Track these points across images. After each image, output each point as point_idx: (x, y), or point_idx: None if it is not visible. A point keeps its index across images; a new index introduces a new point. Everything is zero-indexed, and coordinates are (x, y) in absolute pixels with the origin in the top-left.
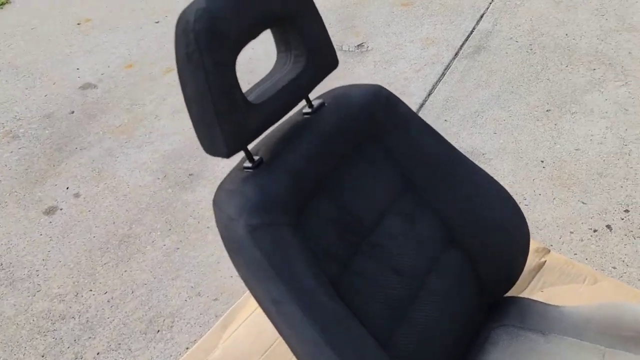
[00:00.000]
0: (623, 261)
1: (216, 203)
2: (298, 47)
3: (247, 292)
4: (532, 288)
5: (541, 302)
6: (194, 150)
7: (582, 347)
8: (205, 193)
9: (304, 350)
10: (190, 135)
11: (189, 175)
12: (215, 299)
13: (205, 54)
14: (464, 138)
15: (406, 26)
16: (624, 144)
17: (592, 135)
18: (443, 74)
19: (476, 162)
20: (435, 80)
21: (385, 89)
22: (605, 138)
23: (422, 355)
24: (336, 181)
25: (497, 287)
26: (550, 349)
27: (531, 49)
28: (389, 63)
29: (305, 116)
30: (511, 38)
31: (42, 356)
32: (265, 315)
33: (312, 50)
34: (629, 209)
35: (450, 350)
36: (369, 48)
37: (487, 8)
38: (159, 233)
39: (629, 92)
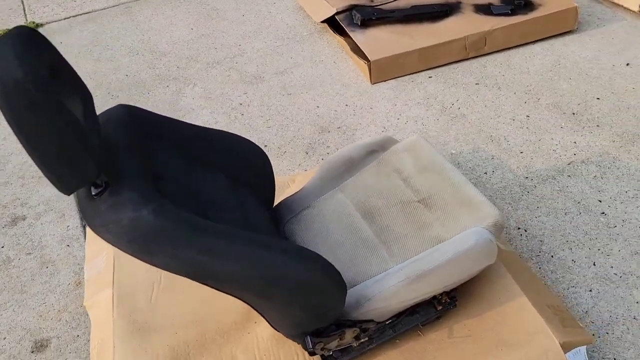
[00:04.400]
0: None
1: (106, 224)
2: None
3: None
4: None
5: (291, 195)
6: None
7: (328, 196)
8: None
9: (250, 264)
10: None
11: None
12: None
13: (50, 95)
14: None
15: None
16: (228, 114)
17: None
18: None
19: None
20: None
21: (128, 106)
22: (217, 121)
23: None
24: (159, 170)
25: (272, 200)
26: (316, 210)
27: (117, 97)
28: None
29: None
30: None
31: None
32: None
33: None
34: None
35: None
36: None
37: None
38: None
39: (203, 88)
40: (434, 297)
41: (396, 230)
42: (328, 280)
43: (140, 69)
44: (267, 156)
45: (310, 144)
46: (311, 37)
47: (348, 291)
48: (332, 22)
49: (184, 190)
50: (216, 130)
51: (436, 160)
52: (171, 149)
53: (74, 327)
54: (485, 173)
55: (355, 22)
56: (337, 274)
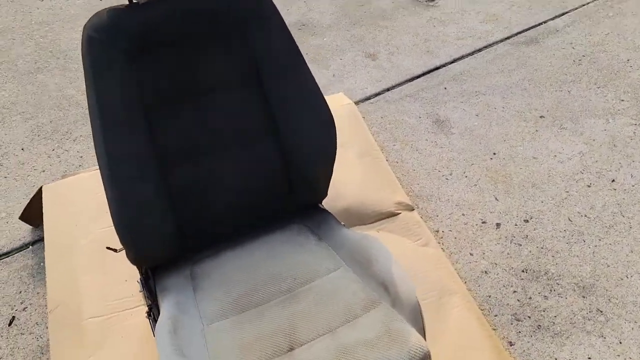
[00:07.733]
0: (483, 252)
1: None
2: None
3: None
4: (371, 224)
5: (338, 221)
6: None
7: (328, 254)
8: None
9: (94, 133)
10: None
11: None
12: None
13: None
14: (447, 108)
15: None
16: (582, 171)
17: (560, 153)
18: (479, 50)
19: (439, 131)
20: (467, 52)
21: None
22: (570, 159)
23: (203, 197)
24: (187, 46)
25: (304, 192)
26: (310, 249)
27: (580, 61)
28: (442, 23)
29: None
30: (571, 43)
31: None
32: None
33: None
34: (529, 220)
35: (236, 213)
36: (437, 4)
37: (576, 8)
38: None
39: (634, 132)
40: None
41: (255, 326)
42: (118, 225)
43: None
44: (333, 154)
45: (528, 301)
46: None
47: (168, 282)
48: None
49: (193, 72)
50: (312, 88)
51: None
52: (246, 49)
53: None
54: None
55: None
56: (129, 235)
